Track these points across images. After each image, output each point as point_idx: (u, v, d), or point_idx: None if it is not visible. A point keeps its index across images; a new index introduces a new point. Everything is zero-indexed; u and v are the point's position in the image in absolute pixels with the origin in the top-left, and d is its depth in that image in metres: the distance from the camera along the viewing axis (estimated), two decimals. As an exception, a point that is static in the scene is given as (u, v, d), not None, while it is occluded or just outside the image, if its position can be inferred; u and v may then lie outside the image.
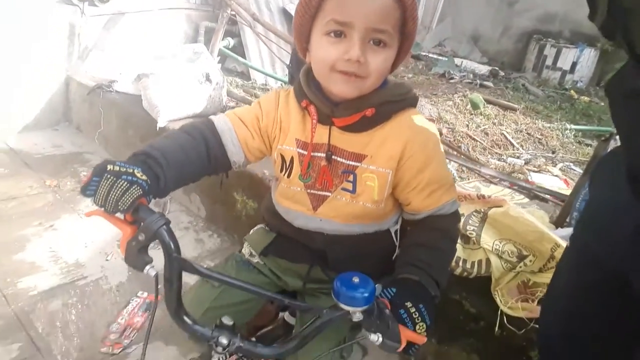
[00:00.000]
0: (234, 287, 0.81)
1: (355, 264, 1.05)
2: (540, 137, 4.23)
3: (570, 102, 6.06)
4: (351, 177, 0.95)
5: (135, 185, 0.75)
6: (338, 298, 0.73)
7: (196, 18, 4.08)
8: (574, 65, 7.09)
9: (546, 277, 1.50)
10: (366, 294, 0.72)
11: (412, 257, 0.91)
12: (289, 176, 0.99)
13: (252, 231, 1.20)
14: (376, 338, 0.75)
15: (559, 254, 1.45)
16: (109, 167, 0.75)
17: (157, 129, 2.60)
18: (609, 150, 1.57)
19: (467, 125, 3.95)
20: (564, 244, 1.43)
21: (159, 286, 0.79)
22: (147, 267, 0.77)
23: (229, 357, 1.10)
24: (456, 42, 8.07)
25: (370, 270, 1.07)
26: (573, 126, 4.67)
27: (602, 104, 6.24)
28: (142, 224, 0.76)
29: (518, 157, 3.62)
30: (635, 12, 0.60)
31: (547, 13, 7.36)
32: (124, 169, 0.76)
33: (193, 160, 0.91)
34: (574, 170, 3.45)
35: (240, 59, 3.86)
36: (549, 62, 7.23)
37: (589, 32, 7.22)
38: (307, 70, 0.96)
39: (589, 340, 0.91)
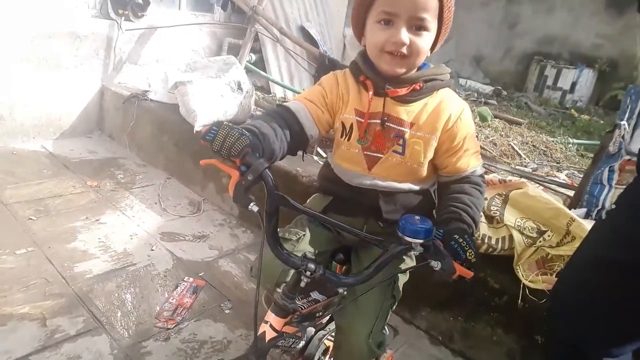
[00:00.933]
0: (324, 222, 1.00)
1: (405, 214, 1.25)
2: (545, 149, 4.43)
3: (572, 120, 6.28)
4: (401, 141, 1.14)
5: (244, 136, 0.92)
6: (404, 232, 0.89)
7: (220, 35, 4.34)
8: (573, 85, 7.37)
9: (563, 251, 1.67)
10: (426, 227, 0.89)
11: (450, 202, 1.10)
12: (348, 140, 1.17)
13: (308, 200, 1.37)
14: (436, 264, 0.91)
15: (574, 228, 1.63)
16: (225, 122, 0.94)
17: (194, 132, 2.80)
18: (614, 140, 1.77)
19: (477, 136, 4.15)
20: (579, 219, 1.61)
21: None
22: (252, 204, 0.93)
23: (302, 298, 1.28)
24: (459, 63, 8.37)
25: None
26: (576, 140, 4.89)
27: (602, 122, 6.48)
28: (249, 167, 0.91)
29: (525, 166, 3.80)
30: None
31: (547, 35, 7.68)
32: (231, 124, 0.94)
33: (280, 137, 1.09)
34: (579, 176, 3.64)
35: (262, 73, 4.09)
36: (549, 82, 7.51)
37: (587, 53, 7.53)
38: (362, 53, 1.17)
39: (602, 312, 0.98)
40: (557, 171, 3.69)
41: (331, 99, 1.19)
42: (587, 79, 7.37)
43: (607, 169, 1.70)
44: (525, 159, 3.98)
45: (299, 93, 4.33)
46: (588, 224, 1.62)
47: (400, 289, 1.21)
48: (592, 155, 4.52)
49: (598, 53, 7.50)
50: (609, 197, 1.69)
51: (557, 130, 5.52)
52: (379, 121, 1.14)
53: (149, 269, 2.17)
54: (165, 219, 2.65)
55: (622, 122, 1.62)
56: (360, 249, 1.28)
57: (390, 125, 1.14)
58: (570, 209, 1.87)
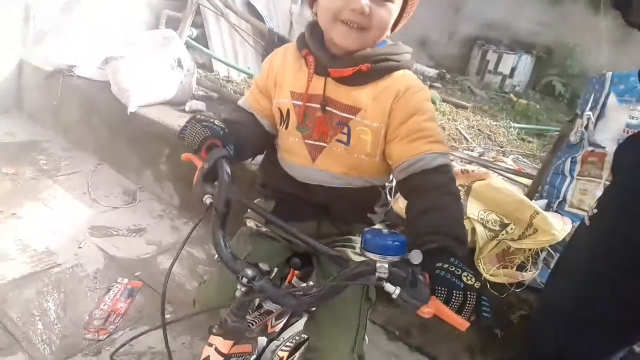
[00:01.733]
0: (277, 226, 0.86)
1: (359, 216, 1.11)
2: (489, 133, 4.51)
3: (511, 104, 6.48)
4: (345, 130, 0.99)
5: (206, 129, 0.91)
6: (366, 246, 0.72)
7: (157, 6, 3.97)
8: (512, 70, 7.58)
9: (525, 244, 1.63)
10: (398, 243, 0.71)
11: (421, 227, 0.86)
12: (286, 127, 1.04)
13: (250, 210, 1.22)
14: (393, 290, 0.70)
15: (537, 221, 1.58)
16: (197, 116, 0.94)
17: (128, 113, 2.52)
18: (575, 130, 1.74)
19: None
20: (543, 212, 1.56)
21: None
22: (205, 196, 0.86)
23: (254, 311, 1.12)
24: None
25: (371, 222, 1.14)
26: (516, 125, 5.03)
27: (538, 106, 6.75)
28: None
29: (472, 151, 3.83)
30: None
31: (488, 20, 7.82)
32: (207, 117, 0.94)
33: (250, 129, 1.06)
34: (524, 161, 3.72)
35: (204, 49, 3.80)
36: (490, 66, 7.67)
37: (526, 39, 7.76)
38: (313, 24, 1.02)
39: (593, 322, 0.93)
40: (503, 155, 3.75)
41: (264, 83, 1.08)
42: (525, 64, 7.61)
43: (569, 159, 1.67)
44: (472, 143, 4.01)
45: (243, 72, 4.09)
46: (551, 217, 1.58)
47: (374, 288, 1.07)
48: (531, 139, 4.76)
49: (536, 40, 7.75)
50: (570, 189, 1.66)
51: (499, 114, 5.67)
52: (318, 105, 0.99)
53: (76, 270, 1.92)
54: (95, 211, 2.37)
55: (587, 113, 1.58)
56: (321, 256, 1.14)
57: (332, 110, 0.99)
58: (530, 200, 1.83)
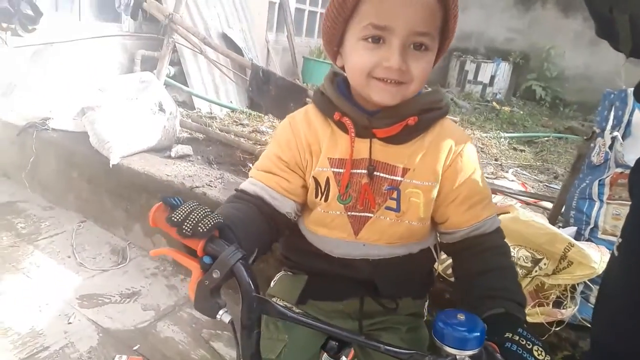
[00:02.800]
0: (325, 332, 0.68)
1: (406, 288, 0.98)
2: (482, 146, 4.44)
3: (495, 113, 6.48)
4: (395, 194, 0.87)
5: (215, 215, 0.67)
6: (442, 339, 0.62)
7: (131, 47, 3.83)
8: (492, 78, 7.64)
9: (561, 279, 1.50)
10: (477, 334, 0.62)
11: (483, 289, 0.82)
12: (326, 200, 0.88)
13: (273, 283, 1.05)
14: None
15: (573, 253, 1.45)
16: (192, 201, 0.70)
17: (111, 166, 2.35)
18: (597, 150, 1.64)
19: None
20: (578, 244, 1.44)
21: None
22: (221, 312, 0.66)
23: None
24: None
25: (418, 291, 1.00)
26: (506, 134, 4.99)
27: (521, 112, 6.77)
28: (215, 259, 0.65)
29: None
30: None
31: (463, 31, 7.89)
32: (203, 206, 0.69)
33: (256, 224, 0.82)
34: (524, 173, 3.64)
35: (184, 87, 3.67)
36: (470, 76, 7.73)
37: (501, 47, 7.86)
38: (331, 80, 0.89)
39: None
40: (502, 170, 3.66)
41: (291, 157, 0.88)
42: (503, 71, 7.68)
43: (596, 182, 1.55)
44: (467, 159, 3.92)
45: (226, 107, 3.96)
46: (587, 248, 1.46)
47: None
48: (522, 147, 4.72)
49: (511, 47, 7.86)
50: (602, 214, 1.54)
51: (486, 124, 5.64)
52: (365, 171, 0.85)
53: (67, 351, 1.72)
54: (83, 277, 2.18)
55: (613, 133, 1.48)
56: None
57: (380, 174, 0.86)
58: (553, 225, 1.71)
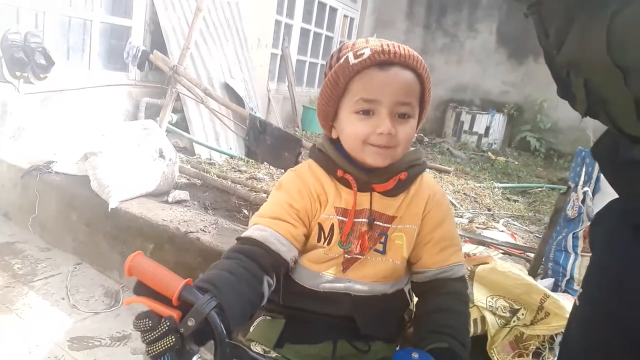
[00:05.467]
0: None
1: (382, 326, 1.05)
2: (475, 196, 4.52)
3: (490, 163, 6.62)
4: (383, 239, 1.00)
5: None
6: None
7: (137, 94, 4.01)
8: (487, 129, 7.83)
9: (538, 330, 1.53)
10: None
11: (434, 325, 0.94)
12: (329, 244, 0.99)
13: (252, 328, 1.11)
14: None
15: (548, 304, 1.50)
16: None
17: (109, 210, 2.43)
18: (571, 204, 1.71)
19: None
20: (554, 295, 1.49)
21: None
22: (194, 358, 0.70)
23: None
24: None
25: (392, 333, 1.08)
26: (500, 184, 5.09)
27: (516, 162, 6.91)
28: (189, 309, 0.70)
29: (461, 217, 3.80)
30: (614, 101, 0.65)
31: (460, 84, 8.18)
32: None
33: (249, 279, 0.86)
34: (514, 224, 3.70)
35: (185, 134, 3.80)
36: (466, 127, 7.92)
37: (496, 99, 8.10)
38: (329, 144, 1.01)
39: None
40: (493, 220, 3.72)
41: (303, 205, 0.98)
42: (498, 122, 7.87)
43: (570, 235, 1.63)
44: (460, 209, 3.99)
45: (225, 154, 4.08)
46: (562, 299, 1.51)
47: None
48: (516, 197, 4.80)
49: (505, 99, 8.11)
50: (577, 266, 1.60)
51: (481, 174, 5.75)
52: (366, 220, 0.98)
53: (54, 394, 1.73)
54: (75, 319, 2.20)
55: (586, 189, 1.56)
56: None
57: (378, 223, 0.99)
58: (534, 278, 1.76)
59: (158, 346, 0.67)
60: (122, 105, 3.93)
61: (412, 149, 1.06)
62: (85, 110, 3.54)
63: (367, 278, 1.00)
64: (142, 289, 0.72)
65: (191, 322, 0.68)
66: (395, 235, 1.00)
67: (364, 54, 0.89)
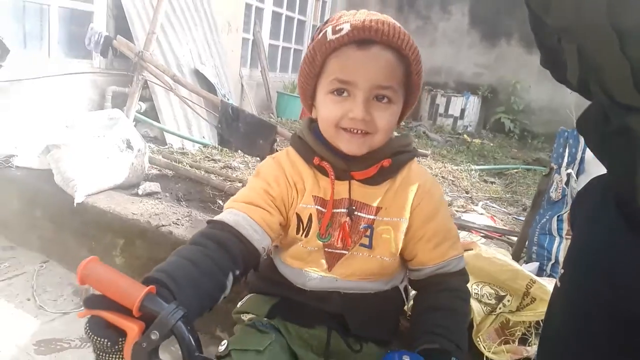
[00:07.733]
0: None
1: (374, 326, 1.00)
2: (453, 179, 4.52)
3: (466, 145, 6.66)
4: (369, 232, 0.92)
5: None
6: None
7: (102, 83, 3.82)
8: (462, 111, 7.87)
9: (524, 316, 1.51)
10: None
11: (428, 324, 0.89)
12: (306, 235, 0.92)
13: (241, 303, 1.05)
14: None
15: (535, 290, 1.47)
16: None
17: (75, 205, 2.30)
18: (555, 186, 1.68)
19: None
20: (540, 280, 1.46)
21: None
22: None
23: None
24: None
25: (387, 331, 1.02)
26: (476, 167, 5.11)
27: (492, 144, 6.97)
28: (155, 319, 0.62)
29: (441, 200, 3.78)
30: (608, 68, 0.61)
31: (433, 66, 8.16)
32: None
33: (213, 272, 0.79)
34: (493, 206, 3.71)
35: (155, 123, 3.65)
36: (441, 110, 7.95)
37: (470, 81, 8.14)
38: (308, 127, 0.94)
39: None
40: (472, 203, 3.72)
41: (279, 192, 0.92)
42: (473, 105, 7.92)
43: (555, 218, 1.60)
44: (438, 192, 3.98)
45: (198, 143, 3.95)
46: (548, 284, 1.48)
47: None
48: (492, 179, 4.82)
49: (479, 81, 8.15)
50: (562, 249, 1.58)
51: (457, 157, 5.77)
52: (345, 210, 0.91)
53: (19, 403, 1.63)
54: (42, 321, 2.08)
55: (567, 170, 1.53)
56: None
57: (359, 214, 0.92)
58: (518, 262, 1.73)
59: None
60: (86, 95, 3.74)
61: (400, 134, 1.00)
62: (46, 100, 3.34)
63: (354, 276, 0.94)
64: (98, 300, 0.64)
65: (155, 336, 0.61)
66: (382, 229, 0.93)
67: (342, 29, 0.81)
